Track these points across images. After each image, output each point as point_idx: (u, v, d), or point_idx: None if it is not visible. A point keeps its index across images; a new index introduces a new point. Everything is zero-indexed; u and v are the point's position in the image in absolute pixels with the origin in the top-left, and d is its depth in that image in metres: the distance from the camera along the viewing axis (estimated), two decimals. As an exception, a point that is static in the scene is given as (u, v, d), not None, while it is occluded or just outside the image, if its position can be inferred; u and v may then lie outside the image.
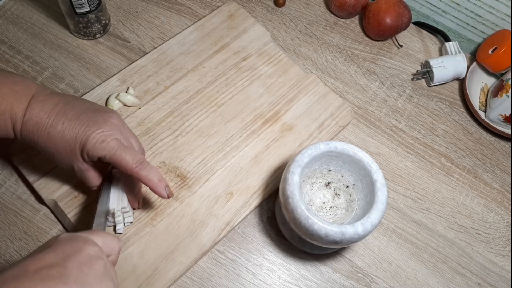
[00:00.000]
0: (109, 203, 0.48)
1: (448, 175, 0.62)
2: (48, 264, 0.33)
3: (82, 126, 0.44)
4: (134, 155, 0.44)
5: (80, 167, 0.46)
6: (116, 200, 0.49)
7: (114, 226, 0.50)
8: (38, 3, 0.67)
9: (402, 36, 0.72)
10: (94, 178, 0.48)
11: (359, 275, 0.54)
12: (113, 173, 0.50)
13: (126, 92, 0.60)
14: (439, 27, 0.73)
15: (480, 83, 0.69)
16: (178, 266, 0.51)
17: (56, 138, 0.44)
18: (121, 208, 0.49)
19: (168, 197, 0.46)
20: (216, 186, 0.56)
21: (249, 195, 0.56)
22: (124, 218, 0.50)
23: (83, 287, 0.33)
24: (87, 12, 0.60)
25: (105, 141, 0.44)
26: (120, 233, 0.51)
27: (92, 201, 0.53)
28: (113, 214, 0.48)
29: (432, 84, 0.68)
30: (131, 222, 0.51)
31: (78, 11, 0.59)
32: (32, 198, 0.55)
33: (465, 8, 0.69)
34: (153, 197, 0.54)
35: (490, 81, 0.69)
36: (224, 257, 0.54)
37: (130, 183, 0.49)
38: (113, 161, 0.44)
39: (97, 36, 0.65)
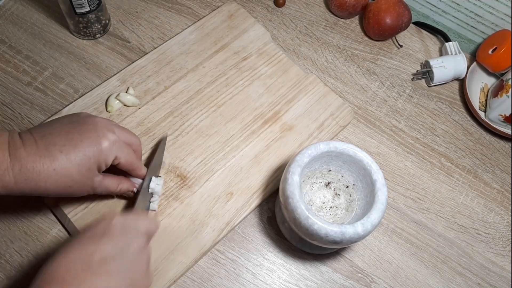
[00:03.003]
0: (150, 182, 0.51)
1: (448, 175, 0.62)
2: (108, 257, 0.36)
3: (82, 142, 0.42)
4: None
5: (100, 181, 0.45)
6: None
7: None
8: (38, 3, 0.67)
9: (402, 36, 0.72)
10: (115, 181, 0.48)
11: (359, 275, 0.54)
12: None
13: (126, 92, 0.60)
14: (439, 27, 0.73)
15: (480, 83, 0.69)
16: (178, 266, 0.51)
17: (65, 168, 0.41)
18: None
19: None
20: (216, 186, 0.56)
21: (249, 195, 0.56)
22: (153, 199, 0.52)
23: (134, 280, 0.37)
24: (87, 12, 0.60)
25: (115, 143, 0.44)
26: (154, 210, 0.53)
27: (92, 201, 0.53)
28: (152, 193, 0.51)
29: (432, 84, 0.68)
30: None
31: (78, 11, 0.59)
32: (32, 198, 0.54)
33: (465, 8, 0.69)
34: (153, 197, 0.54)
35: (490, 81, 0.69)
36: (224, 257, 0.54)
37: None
38: (127, 162, 0.46)
39: (97, 36, 0.65)
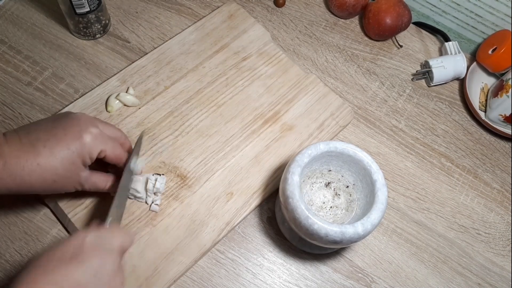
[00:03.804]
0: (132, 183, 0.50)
1: (448, 175, 0.62)
2: (80, 284, 0.33)
3: (66, 136, 0.42)
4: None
5: (86, 176, 0.45)
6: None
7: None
8: (38, 3, 0.67)
9: (402, 36, 0.72)
10: (103, 178, 0.48)
11: (359, 275, 0.54)
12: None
13: (126, 92, 0.60)
14: (439, 27, 0.73)
15: (480, 83, 0.69)
16: (178, 266, 0.51)
17: (49, 163, 0.41)
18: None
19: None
20: (216, 186, 0.56)
21: (249, 195, 0.56)
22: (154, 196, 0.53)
23: None
24: (87, 12, 0.60)
25: (98, 136, 0.44)
26: (157, 205, 0.53)
27: (92, 201, 0.53)
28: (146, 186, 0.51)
29: (432, 84, 0.68)
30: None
31: (78, 11, 0.59)
32: (32, 198, 0.55)
33: (465, 8, 0.69)
34: (153, 197, 0.54)
35: (490, 81, 0.69)
36: (224, 257, 0.54)
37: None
38: (114, 154, 0.46)
39: (97, 36, 0.65)
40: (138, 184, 0.52)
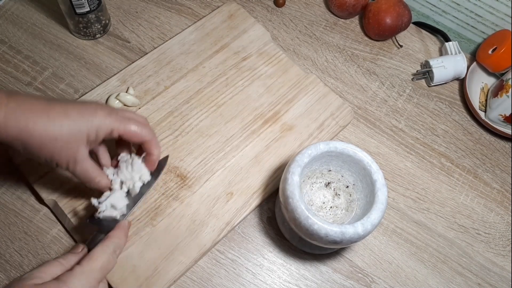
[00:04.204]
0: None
1: (448, 175, 0.62)
2: None
3: (81, 105, 0.42)
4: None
5: (83, 156, 0.43)
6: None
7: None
8: (38, 3, 0.67)
9: (402, 36, 0.72)
10: (98, 172, 0.45)
11: (359, 275, 0.54)
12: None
13: (126, 92, 0.60)
14: (439, 27, 0.73)
15: (480, 83, 0.69)
16: (178, 266, 0.51)
17: (59, 119, 0.40)
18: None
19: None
20: (216, 186, 0.56)
21: (249, 195, 0.56)
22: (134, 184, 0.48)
23: None
24: (87, 12, 0.60)
25: (112, 112, 0.43)
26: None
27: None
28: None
29: (432, 84, 0.68)
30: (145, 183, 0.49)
31: (78, 11, 0.59)
32: (32, 198, 0.55)
33: (465, 8, 0.69)
34: (153, 197, 0.54)
35: (490, 81, 0.69)
36: (224, 257, 0.54)
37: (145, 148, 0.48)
38: (127, 131, 0.44)
39: (97, 36, 0.65)
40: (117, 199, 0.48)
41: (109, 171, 0.48)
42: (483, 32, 0.71)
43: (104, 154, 0.48)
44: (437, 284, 0.55)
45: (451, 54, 0.68)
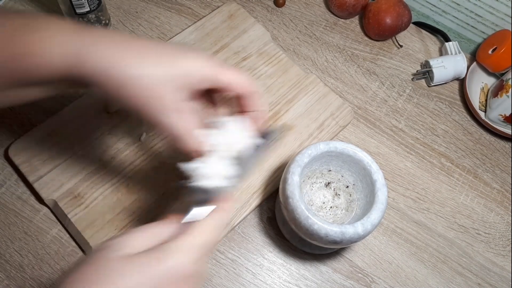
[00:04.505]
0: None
1: (448, 175, 0.62)
2: None
3: (168, 46, 0.35)
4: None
5: (169, 104, 0.34)
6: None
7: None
8: (38, 3, 0.67)
9: (402, 36, 0.72)
10: (185, 126, 0.36)
11: (359, 275, 0.54)
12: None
13: (126, 92, 0.60)
14: (439, 27, 0.73)
15: (480, 83, 0.69)
16: (178, 266, 0.51)
17: (148, 65, 0.33)
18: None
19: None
20: (216, 186, 0.55)
21: (249, 195, 0.56)
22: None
23: None
24: (87, 12, 0.60)
25: (214, 60, 0.35)
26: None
27: (92, 201, 0.53)
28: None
29: (432, 84, 0.68)
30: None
31: (78, 11, 0.59)
32: (32, 198, 0.55)
33: (465, 8, 0.69)
34: (153, 196, 0.54)
35: (490, 81, 0.69)
36: (224, 257, 0.54)
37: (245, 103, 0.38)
38: (236, 80, 0.36)
39: (97, 36, 0.65)
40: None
41: (202, 132, 0.37)
42: (483, 32, 0.71)
43: (193, 112, 0.37)
44: (437, 284, 0.55)
45: (451, 54, 0.68)
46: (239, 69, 0.36)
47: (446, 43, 0.69)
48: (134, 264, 0.29)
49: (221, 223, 0.35)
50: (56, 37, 0.32)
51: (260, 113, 0.38)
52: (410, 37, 0.72)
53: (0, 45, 0.32)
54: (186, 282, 0.31)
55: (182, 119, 0.35)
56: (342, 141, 0.59)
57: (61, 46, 0.32)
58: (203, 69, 0.35)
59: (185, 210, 0.36)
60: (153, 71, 0.33)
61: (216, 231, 0.34)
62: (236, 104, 0.39)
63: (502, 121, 0.63)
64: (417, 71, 0.69)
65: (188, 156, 0.38)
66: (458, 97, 0.68)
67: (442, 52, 0.71)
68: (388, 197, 0.49)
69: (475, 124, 0.66)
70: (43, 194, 0.53)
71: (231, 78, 0.36)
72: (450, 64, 0.66)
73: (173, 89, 0.34)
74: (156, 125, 0.35)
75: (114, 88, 0.33)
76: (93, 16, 0.61)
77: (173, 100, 0.34)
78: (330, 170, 0.52)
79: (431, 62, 0.67)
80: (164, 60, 0.34)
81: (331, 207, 0.52)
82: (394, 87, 0.68)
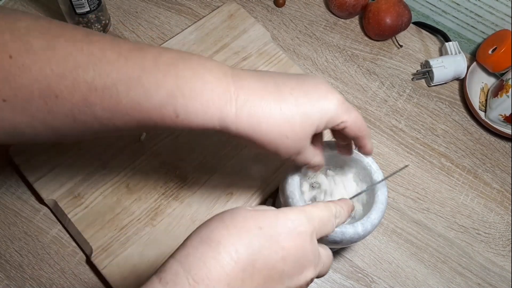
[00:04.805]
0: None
1: (448, 175, 0.62)
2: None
3: (313, 90, 0.36)
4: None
5: (308, 145, 0.37)
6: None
7: None
8: (38, 3, 0.67)
9: (402, 36, 0.72)
10: (313, 151, 0.39)
11: (359, 275, 0.54)
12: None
13: (126, 92, 0.60)
14: (439, 27, 0.73)
15: (480, 83, 0.69)
16: (178, 266, 0.51)
17: (291, 113, 0.34)
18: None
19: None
20: (216, 186, 0.56)
21: (249, 195, 0.56)
22: None
23: None
24: (87, 12, 0.60)
25: (344, 102, 0.37)
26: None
27: (92, 201, 0.53)
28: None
29: (432, 84, 0.68)
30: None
31: (78, 11, 0.59)
32: (32, 198, 0.55)
33: (465, 8, 0.69)
34: (153, 196, 0.54)
35: (490, 81, 0.69)
36: (224, 257, 0.54)
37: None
38: (356, 127, 0.38)
39: (97, 36, 0.65)
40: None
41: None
42: (483, 32, 0.71)
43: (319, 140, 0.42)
44: (437, 284, 0.55)
45: (451, 54, 0.68)
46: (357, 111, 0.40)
47: (446, 43, 0.69)
48: (263, 213, 0.31)
49: (331, 210, 0.35)
50: (217, 89, 0.32)
51: (369, 149, 0.41)
52: (410, 37, 0.72)
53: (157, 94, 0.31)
54: (303, 240, 0.31)
55: (312, 149, 0.38)
56: (342, 141, 0.59)
57: (218, 105, 0.32)
58: (343, 116, 0.37)
59: None
60: (302, 121, 0.35)
61: (326, 212, 0.35)
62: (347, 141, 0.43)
63: (502, 121, 0.63)
64: (417, 71, 0.69)
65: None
66: (458, 97, 0.68)
67: (442, 52, 0.71)
68: (388, 197, 0.49)
69: (475, 124, 0.66)
70: (43, 194, 0.53)
71: (361, 123, 0.38)
72: (450, 64, 0.66)
73: (314, 132, 0.36)
74: (292, 160, 0.38)
75: (266, 142, 0.35)
76: (93, 16, 0.61)
77: (311, 137, 0.36)
78: (330, 170, 0.52)
79: (431, 62, 0.67)
80: (311, 107, 0.35)
81: (331, 207, 0.52)
82: (394, 87, 0.68)
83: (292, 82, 0.36)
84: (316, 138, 0.41)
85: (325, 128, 0.37)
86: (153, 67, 0.31)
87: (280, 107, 0.34)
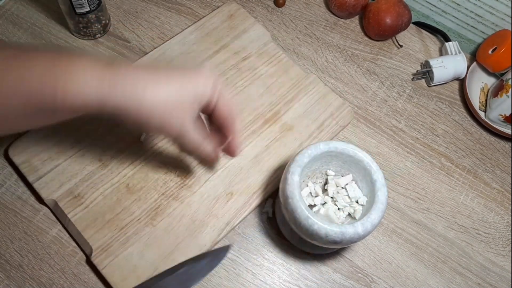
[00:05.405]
0: None
1: (448, 175, 0.62)
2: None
3: (186, 71, 0.39)
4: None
5: (191, 123, 0.40)
6: None
7: None
8: (38, 3, 0.67)
9: (402, 36, 0.72)
10: (202, 134, 0.43)
11: (359, 275, 0.54)
12: None
13: (126, 92, 0.60)
14: (439, 27, 0.73)
15: (480, 83, 0.69)
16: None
17: (166, 85, 0.38)
18: None
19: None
20: (216, 186, 0.56)
21: (249, 195, 0.56)
22: None
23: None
24: (87, 12, 0.60)
25: (218, 84, 0.40)
26: None
27: (92, 201, 0.53)
28: None
29: (432, 84, 0.68)
30: None
31: (78, 11, 0.59)
32: (32, 198, 0.55)
33: (465, 8, 0.69)
34: (153, 196, 0.54)
35: (490, 81, 0.69)
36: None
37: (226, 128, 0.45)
38: (226, 107, 0.41)
39: (97, 36, 0.65)
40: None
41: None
42: (483, 32, 0.71)
43: (203, 125, 0.46)
44: (437, 284, 0.55)
45: (451, 54, 0.68)
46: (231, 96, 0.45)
47: (446, 43, 0.69)
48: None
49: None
50: (88, 76, 0.36)
51: (235, 138, 0.45)
52: (410, 37, 0.72)
53: (31, 78, 0.35)
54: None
55: (199, 132, 0.42)
56: (342, 141, 0.59)
57: (93, 85, 0.36)
58: (212, 94, 0.40)
59: None
60: (178, 93, 0.39)
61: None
62: (218, 124, 0.45)
63: (502, 121, 0.63)
64: (417, 71, 0.69)
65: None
66: (458, 97, 0.68)
67: (442, 52, 0.71)
68: (388, 197, 0.49)
69: (475, 124, 0.66)
70: (43, 194, 0.53)
71: (226, 103, 0.42)
72: (450, 64, 0.66)
73: (191, 107, 0.40)
74: (180, 141, 0.42)
75: (146, 112, 0.38)
76: (93, 16, 0.61)
77: (192, 118, 0.40)
78: (330, 170, 0.52)
79: (431, 62, 0.67)
80: (185, 82, 0.39)
81: (331, 207, 0.52)
82: (394, 87, 0.68)
83: (165, 67, 0.40)
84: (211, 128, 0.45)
85: (201, 105, 0.40)
86: (38, 58, 0.36)
87: (155, 87, 0.38)
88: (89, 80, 0.36)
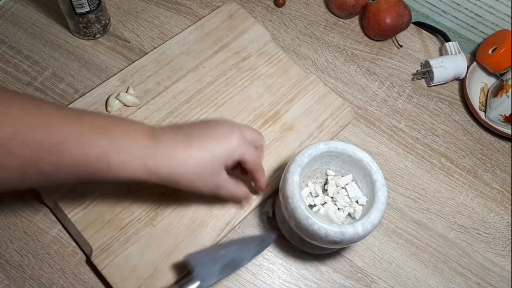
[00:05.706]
0: None
1: (448, 175, 0.62)
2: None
3: (216, 135, 0.44)
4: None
5: (225, 179, 0.46)
6: None
7: None
8: (38, 3, 0.67)
9: (402, 36, 0.72)
10: (234, 182, 0.48)
11: (359, 275, 0.54)
12: None
13: (126, 92, 0.60)
14: (439, 27, 0.73)
15: (480, 83, 0.69)
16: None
17: (201, 156, 0.43)
18: None
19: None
20: (216, 186, 0.55)
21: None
22: None
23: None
24: (87, 12, 0.60)
25: (243, 139, 0.45)
26: None
27: (92, 201, 0.53)
28: None
29: (432, 84, 0.68)
30: None
31: (78, 11, 0.59)
32: (32, 198, 0.55)
33: (465, 8, 0.69)
34: (153, 196, 0.54)
35: (490, 81, 0.69)
36: (224, 257, 0.54)
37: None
38: (252, 161, 0.47)
39: (97, 36, 0.65)
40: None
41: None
42: (483, 32, 0.71)
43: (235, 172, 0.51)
44: (437, 284, 0.55)
45: (451, 54, 0.68)
46: (258, 133, 0.50)
47: (446, 43, 0.69)
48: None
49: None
50: (139, 145, 0.41)
51: (259, 184, 0.51)
52: (410, 37, 0.72)
53: (91, 154, 0.38)
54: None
55: (233, 183, 0.47)
56: (342, 141, 0.59)
57: (140, 159, 0.41)
58: (242, 152, 0.45)
59: None
60: (212, 160, 0.43)
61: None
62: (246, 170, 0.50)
63: (502, 121, 0.63)
64: (417, 71, 0.69)
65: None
66: (458, 97, 0.68)
67: (442, 52, 0.71)
68: (388, 197, 0.49)
69: (475, 124, 0.66)
70: (43, 194, 0.53)
71: (251, 159, 0.47)
72: (450, 64, 0.66)
73: (224, 167, 0.45)
74: (217, 195, 0.47)
75: (185, 183, 0.43)
76: (93, 16, 0.61)
77: (225, 174, 0.46)
78: (330, 170, 0.52)
79: (431, 62, 0.67)
80: (216, 148, 0.44)
81: (331, 207, 0.52)
82: (394, 87, 0.68)
83: (198, 130, 0.45)
84: (241, 173, 0.51)
85: (233, 162, 0.45)
86: (89, 129, 0.39)
87: (191, 154, 0.42)
88: (136, 154, 0.40)
